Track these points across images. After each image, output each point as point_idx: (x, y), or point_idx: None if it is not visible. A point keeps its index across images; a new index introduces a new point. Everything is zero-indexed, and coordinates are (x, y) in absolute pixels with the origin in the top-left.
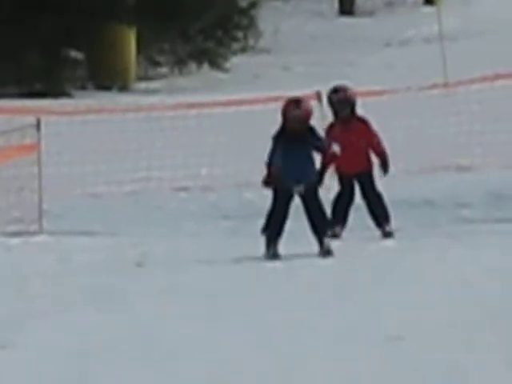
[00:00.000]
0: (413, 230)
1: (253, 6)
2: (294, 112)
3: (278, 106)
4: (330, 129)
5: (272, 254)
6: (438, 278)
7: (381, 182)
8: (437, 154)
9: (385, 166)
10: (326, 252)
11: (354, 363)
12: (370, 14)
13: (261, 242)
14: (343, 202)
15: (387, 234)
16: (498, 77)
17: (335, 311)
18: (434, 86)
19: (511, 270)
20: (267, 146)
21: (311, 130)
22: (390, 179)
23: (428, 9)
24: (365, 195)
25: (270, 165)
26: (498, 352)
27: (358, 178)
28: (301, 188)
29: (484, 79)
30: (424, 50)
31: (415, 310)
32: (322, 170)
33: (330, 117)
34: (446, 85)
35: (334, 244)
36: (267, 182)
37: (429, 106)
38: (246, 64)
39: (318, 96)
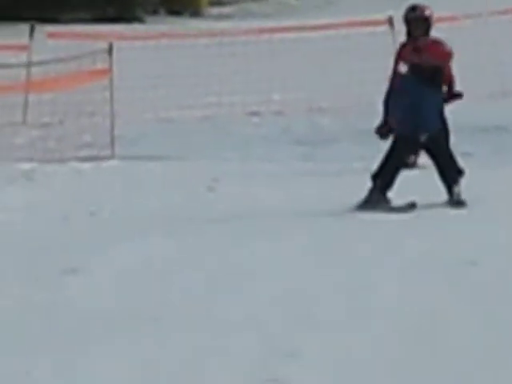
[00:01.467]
0: (486, 156)
1: None
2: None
3: (350, 32)
4: (401, 49)
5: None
6: None
7: (450, 109)
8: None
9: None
10: (456, 202)
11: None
12: None
13: (332, 167)
14: None
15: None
16: None
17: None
18: (506, 11)
19: None
20: (339, 71)
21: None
22: (461, 105)
23: None
24: None
25: (386, 111)
26: None
27: None
28: (425, 136)
29: None
30: None
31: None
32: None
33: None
34: None
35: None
36: (381, 133)
37: (501, 32)
38: None
39: (390, 21)
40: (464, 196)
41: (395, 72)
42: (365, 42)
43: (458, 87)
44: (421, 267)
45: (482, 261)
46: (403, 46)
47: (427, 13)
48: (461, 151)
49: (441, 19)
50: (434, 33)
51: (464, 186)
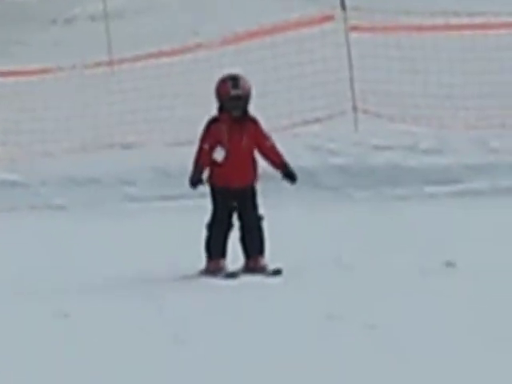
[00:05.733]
0: (79, 209)
1: None
2: None
3: None
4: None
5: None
6: None
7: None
8: (102, 132)
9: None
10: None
11: None
12: None
13: None
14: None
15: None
16: (161, 54)
17: None
18: (99, 64)
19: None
20: None
21: None
22: (53, 157)
23: None
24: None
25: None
26: None
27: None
28: None
29: (149, 56)
30: (90, 27)
31: None
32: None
33: None
34: (110, 63)
35: None
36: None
37: (94, 84)
38: None
39: None
40: None
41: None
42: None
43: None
44: None
45: None
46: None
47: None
48: (53, 204)
49: (35, 72)
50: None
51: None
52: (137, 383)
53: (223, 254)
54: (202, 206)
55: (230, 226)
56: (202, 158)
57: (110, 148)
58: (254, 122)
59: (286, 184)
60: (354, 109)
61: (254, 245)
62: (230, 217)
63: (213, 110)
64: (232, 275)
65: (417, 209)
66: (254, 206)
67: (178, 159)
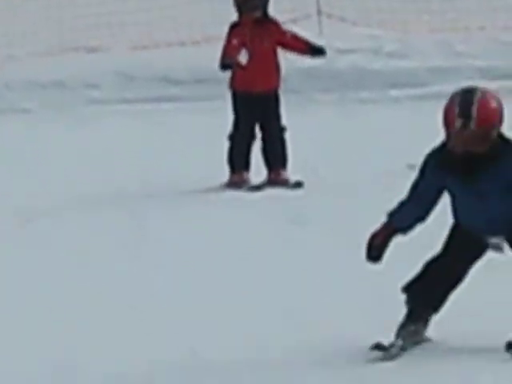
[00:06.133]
0: (43, 112)
1: None
2: None
3: None
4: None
5: None
6: None
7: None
8: (67, 36)
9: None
10: None
11: None
12: None
13: None
14: None
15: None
16: None
17: None
18: None
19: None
20: None
21: None
22: (18, 61)
23: None
24: None
25: None
26: None
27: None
28: None
29: None
30: None
31: None
32: None
33: None
34: None
35: None
36: None
37: None
38: None
39: None
40: None
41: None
42: None
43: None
44: None
45: None
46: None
47: None
48: (18, 107)
49: None
50: None
51: None
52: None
53: (246, 167)
54: (165, 109)
55: (252, 137)
56: (230, 51)
57: (74, 51)
58: (275, 23)
59: None
60: (319, 12)
61: (276, 157)
62: (253, 127)
63: (177, 14)
64: (256, 188)
65: (381, 112)
66: (277, 116)
67: (141, 63)
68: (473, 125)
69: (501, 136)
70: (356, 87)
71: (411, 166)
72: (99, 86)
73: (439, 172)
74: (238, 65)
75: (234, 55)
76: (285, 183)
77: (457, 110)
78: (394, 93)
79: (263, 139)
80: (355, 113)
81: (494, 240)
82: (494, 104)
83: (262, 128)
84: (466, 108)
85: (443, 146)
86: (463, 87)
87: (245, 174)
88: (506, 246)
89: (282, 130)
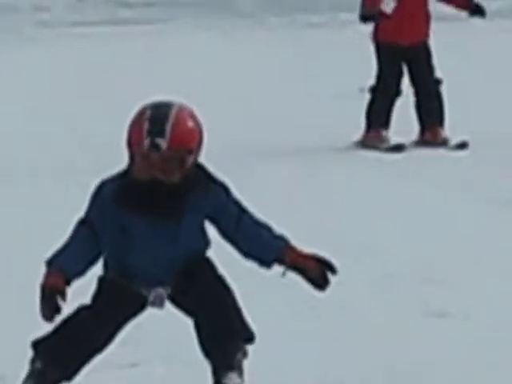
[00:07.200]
0: None
1: None
2: None
3: None
4: None
5: None
6: None
7: None
8: None
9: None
10: None
11: None
12: None
13: None
14: None
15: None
16: None
17: None
18: None
19: None
20: None
21: None
22: None
23: None
24: None
25: None
26: None
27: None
28: None
29: None
30: None
31: None
32: None
33: None
34: None
35: None
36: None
37: None
38: None
39: None
40: None
41: None
42: None
43: None
44: None
45: None
46: None
47: None
48: None
49: None
50: None
51: None
52: None
53: (386, 124)
54: (117, 32)
55: (397, 92)
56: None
57: None
58: None
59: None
60: None
61: (432, 115)
62: (399, 83)
63: None
64: (398, 148)
65: (331, 36)
66: (430, 69)
67: None
68: (165, 145)
69: (200, 167)
70: (306, 10)
71: (362, 89)
72: (49, 9)
73: (115, 209)
74: (383, 14)
75: (376, 3)
76: (445, 143)
77: (146, 125)
78: (344, 16)
79: (416, 94)
80: (305, 36)
81: (158, 291)
82: (192, 123)
83: (414, 83)
84: (158, 124)
85: (124, 173)
86: (156, 101)
87: (383, 131)
88: (165, 300)
89: (437, 82)
